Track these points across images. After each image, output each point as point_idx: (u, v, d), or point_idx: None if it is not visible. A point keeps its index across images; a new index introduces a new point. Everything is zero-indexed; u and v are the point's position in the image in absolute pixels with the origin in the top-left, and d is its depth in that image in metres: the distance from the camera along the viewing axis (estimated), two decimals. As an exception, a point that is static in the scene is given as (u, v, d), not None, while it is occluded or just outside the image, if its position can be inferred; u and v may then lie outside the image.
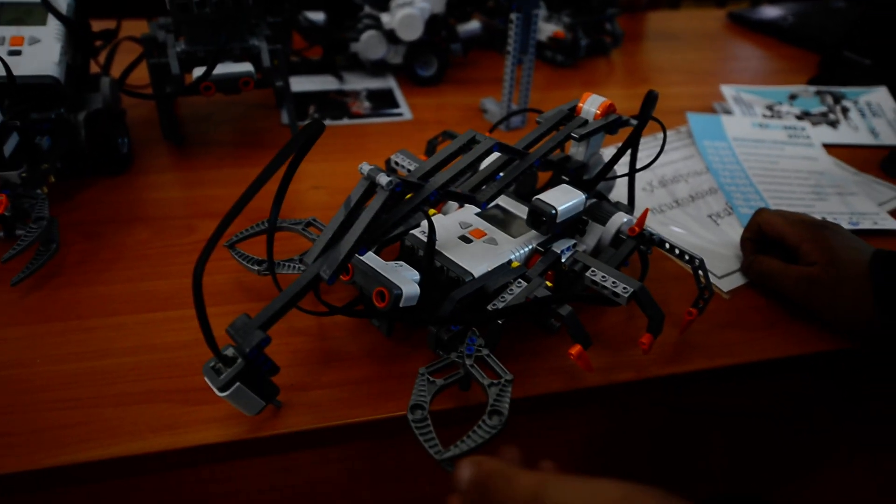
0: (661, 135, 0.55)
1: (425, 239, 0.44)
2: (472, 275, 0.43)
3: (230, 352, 0.36)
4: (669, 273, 0.54)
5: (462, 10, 0.79)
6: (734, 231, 0.59)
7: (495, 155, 0.46)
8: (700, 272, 0.46)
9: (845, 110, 0.81)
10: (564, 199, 0.45)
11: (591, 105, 0.50)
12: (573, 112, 0.51)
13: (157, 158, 0.65)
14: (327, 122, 0.74)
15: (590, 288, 0.44)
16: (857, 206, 0.63)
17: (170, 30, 0.62)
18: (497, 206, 0.51)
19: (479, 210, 0.50)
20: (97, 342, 0.43)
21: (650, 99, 0.50)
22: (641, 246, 0.47)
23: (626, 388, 0.44)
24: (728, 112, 0.80)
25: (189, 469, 0.43)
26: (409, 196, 0.41)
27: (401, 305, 0.38)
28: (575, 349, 0.40)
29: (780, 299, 0.51)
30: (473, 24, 0.87)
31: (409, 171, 0.55)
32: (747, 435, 0.65)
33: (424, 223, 0.45)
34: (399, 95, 0.81)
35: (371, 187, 0.39)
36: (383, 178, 0.38)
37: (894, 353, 0.49)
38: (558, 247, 0.46)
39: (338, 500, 0.57)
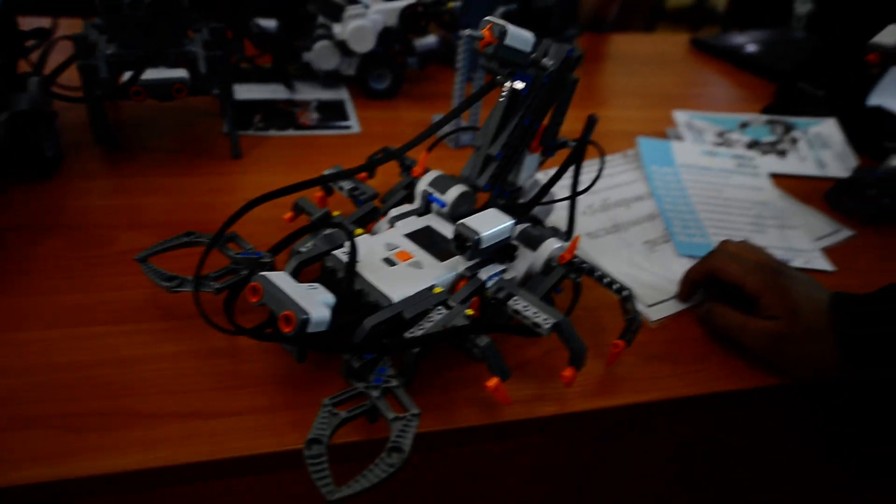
0: (606, 158, 0.54)
1: (346, 260, 0.42)
2: (390, 300, 0.41)
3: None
4: (603, 301, 0.52)
5: (416, 24, 0.78)
6: (669, 259, 0.59)
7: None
8: (628, 304, 0.45)
9: (794, 140, 0.82)
10: (491, 223, 0.44)
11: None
12: None
13: (88, 164, 0.62)
14: (271, 133, 0.72)
15: (514, 318, 0.43)
16: (793, 241, 0.63)
17: (103, 31, 0.60)
18: (427, 227, 0.49)
19: (407, 231, 0.49)
20: (-10, 360, 0.41)
21: (590, 123, 0.49)
22: (571, 274, 0.46)
23: (547, 422, 0.43)
24: (679, 138, 0.80)
25: (89, 499, 0.41)
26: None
27: (309, 331, 0.36)
28: (492, 382, 0.38)
29: (711, 332, 0.51)
30: (430, 39, 0.86)
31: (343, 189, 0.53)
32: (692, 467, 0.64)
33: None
34: (350, 108, 0.80)
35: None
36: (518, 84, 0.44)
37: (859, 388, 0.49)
38: (485, 273, 0.44)
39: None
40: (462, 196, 0.50)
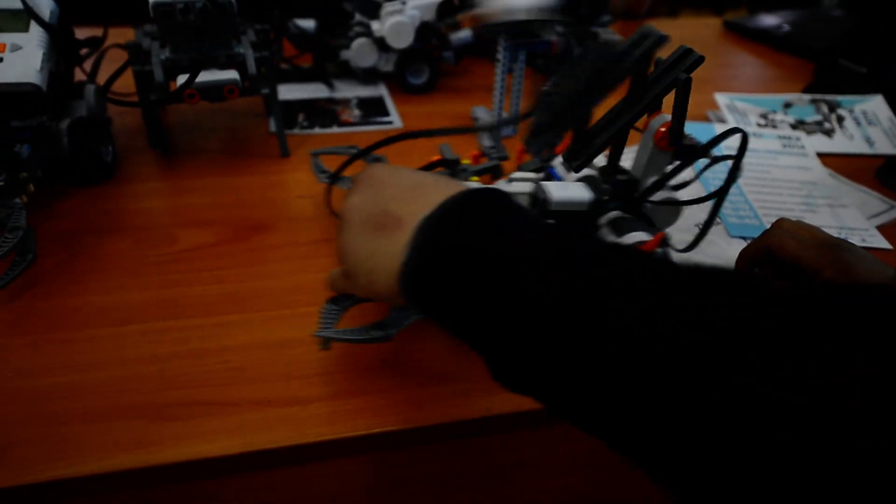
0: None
1: None
2: None
3: None
4: None
5: (453, 19, 0.78)
6: (722, 241, 0.58)
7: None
8: None
9: (840, 119, 0.80)
10: (567, 192, 0.45)
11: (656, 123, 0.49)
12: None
13: (143, 167, 0.64)
14: (316, 131, 0.73)
15: None
16: (846, 219, 0.62)
17: (155, 37, 0.62)
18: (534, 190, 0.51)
19: (516, 190, 0.50)
20: (69, 355, 0.42)
21: (744, 141, 0.46)
22: None
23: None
24: (722, 121, 0.80)
25: (169, 485, 0.42)
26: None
27: None
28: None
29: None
30: (465, 33, 0.87)
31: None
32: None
33: None
34: (390, 103, 0.81)
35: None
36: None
37: None
38: None
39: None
40: (583, 179, 0.50)
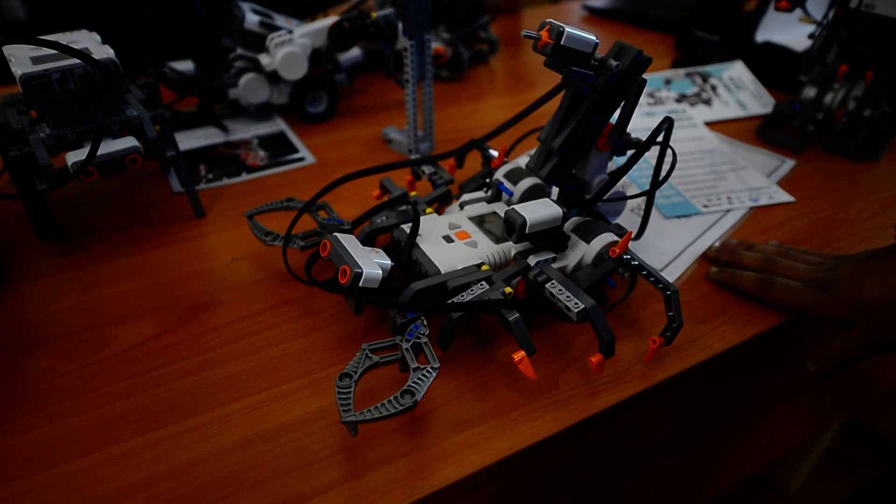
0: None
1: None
2: (439, 270, 0.45)
3: None
4: (658, 294, 0.53)
5: (347, 41, 0.75)
6: (659, 221, 0.62)
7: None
8: (672, 302, 0.45)
9: (714, 87, 0.88)
10: (539, 210, 0.45)
11: None
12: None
13: (36, 262, 0.55)
14: (225, 182, 0.68)
15: (556, 304, 0.44)
16: (750, 181, 0.69)
17: (23, 111, 0.53)
18: (494, 213, 0.52)
19: (472, 214, 0.52)
20: (31, 513, 0.36)
21: (667, 125, 0.48)
22: (620, 269, 0.46)
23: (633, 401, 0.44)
24: (616, 105, 0.84)
25: None
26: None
27: (361, 285, 0.41)
28: (518, 354, 0.41)
29: (717, 286, 0.54)
30: (355, 52, 0.84)
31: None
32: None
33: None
34: (293, 137, 0.76)
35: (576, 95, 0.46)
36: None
37: None
38: (534, 258, 0.47)
39: None
40: (532, 188, 0.50)
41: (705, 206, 0.64)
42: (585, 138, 0.48)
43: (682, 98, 0.86)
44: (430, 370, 0.39)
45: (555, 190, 0.53)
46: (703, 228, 0.61)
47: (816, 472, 1.14)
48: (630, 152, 0.52)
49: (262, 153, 0.73)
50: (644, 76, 0.47)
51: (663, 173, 0.49)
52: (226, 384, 0.44)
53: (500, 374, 0.45)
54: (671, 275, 0.55)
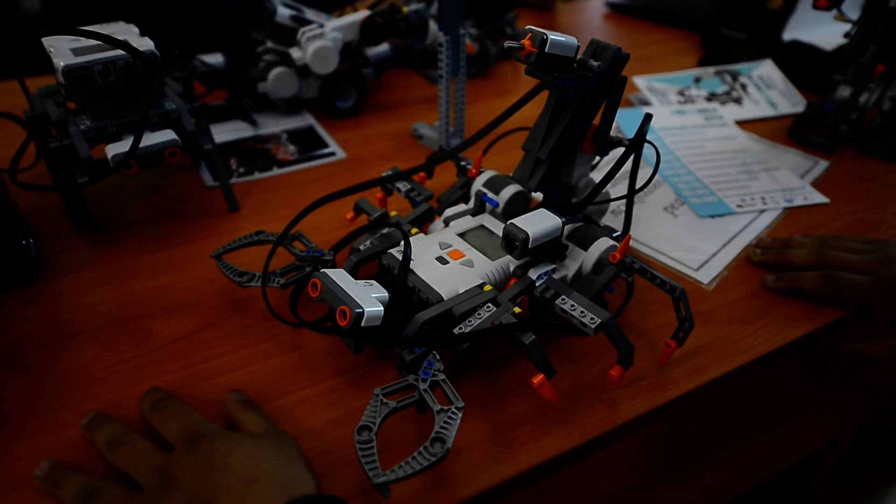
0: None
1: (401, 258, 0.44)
2: (441, 297, 0.42)
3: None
4: (660, 299, 0.52)
5: (378, 36, 0.75)
6: (693, 220, 0.61)
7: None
8: (681, 302, 0.44)
9: (744, 86, 0.87)
10: (539, 223, 0.43)
11: None
12: None
13: (73, 255, 0.55)
14: (256, 176, 0.67)
15: (563, 317, 0.42)
16: (784, 181, 0.68)
17: (61, 103, 0.53)
18: (481, 226, 0.50)
19: (461, 230, 0.49)
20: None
21: (646, 120, 0.46)
22: (622, 274, 0.45)
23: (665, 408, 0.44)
24: (646, 103, 0.83)
25: None
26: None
27: (363, 325, 0.38)
28: (537, 378, 0.39)
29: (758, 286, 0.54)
30: (383, 47, 0.83)
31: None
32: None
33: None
34: (322, 132, 0.76)
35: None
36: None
37: None
38: (535, 272, 0.45)
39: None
40: (515, 196, 0.49)
41: (739, 206, 0.63)
42: (571, 143, 0.47)
43: (712, 97, 0.85)
44: (456, 411, 0.35)
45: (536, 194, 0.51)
46: (738, 228, 0.60)
47: (836, 473, 1.14)
48: (614, 151, 0.51)
49: (291, 147, 0.73)
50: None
51: (648, 175, 0.48)
52: (278, 377, 0.44)
53: (509, 391, 0.43)
54: (707, 275, 0.55)
